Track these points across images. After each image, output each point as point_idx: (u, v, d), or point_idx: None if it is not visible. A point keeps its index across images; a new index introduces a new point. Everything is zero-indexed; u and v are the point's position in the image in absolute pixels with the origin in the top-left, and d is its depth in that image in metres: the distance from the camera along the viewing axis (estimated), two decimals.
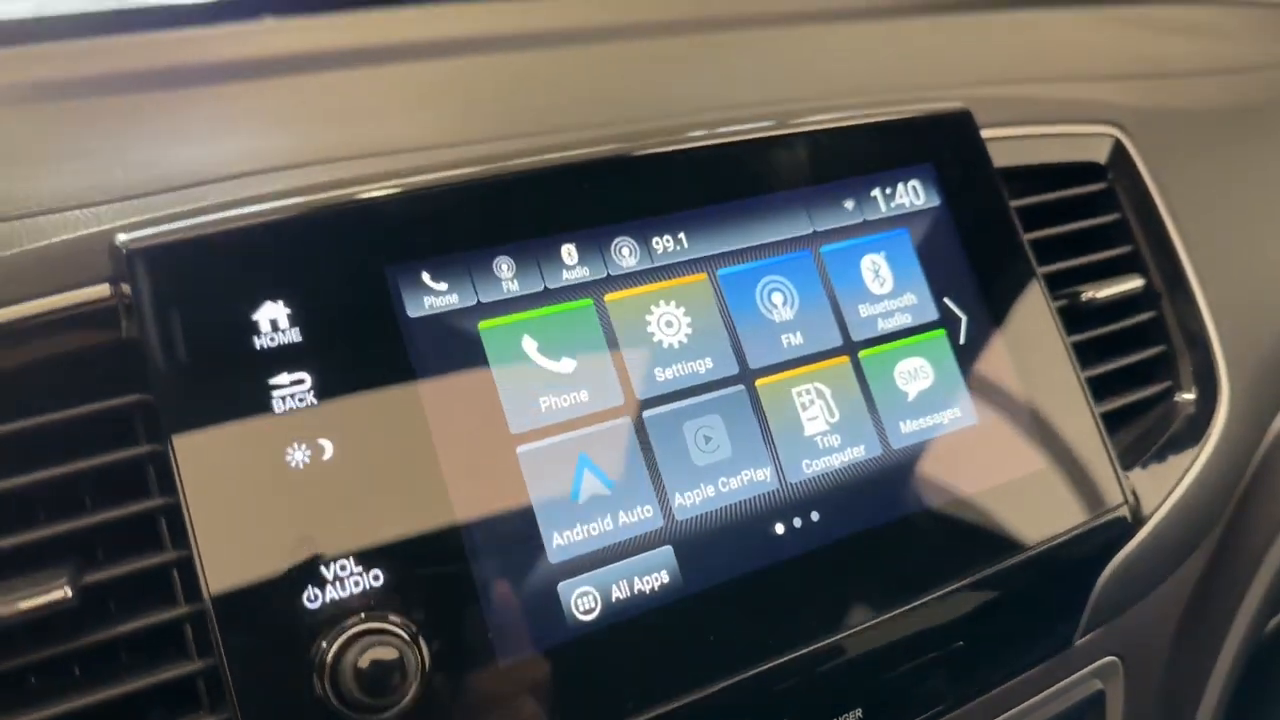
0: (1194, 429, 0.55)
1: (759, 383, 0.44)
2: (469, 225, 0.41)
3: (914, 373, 0.47)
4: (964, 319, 0.49)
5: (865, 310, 0.47)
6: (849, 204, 0.48)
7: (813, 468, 0.44)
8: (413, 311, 0.39)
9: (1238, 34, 0.92)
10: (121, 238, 0.37)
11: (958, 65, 0.65)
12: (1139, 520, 0.51)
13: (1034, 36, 0.77)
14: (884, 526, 0.44)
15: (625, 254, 0.43)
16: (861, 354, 0.46)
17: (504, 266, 0.41)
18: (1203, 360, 0.57)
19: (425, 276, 0.40)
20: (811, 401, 0.45)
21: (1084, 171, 0.59)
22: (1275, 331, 0.62)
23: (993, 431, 0.48)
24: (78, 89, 0.66)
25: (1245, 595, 0.66)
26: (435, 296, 0.40)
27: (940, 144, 0.51)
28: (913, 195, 0.50)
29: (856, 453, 0.45)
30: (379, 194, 0.40)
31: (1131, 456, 0.53)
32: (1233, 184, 0.68)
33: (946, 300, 0.49)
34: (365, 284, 0.39)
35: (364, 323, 0.38)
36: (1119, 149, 0.60)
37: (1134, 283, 0.56)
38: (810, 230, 0.47)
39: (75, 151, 0.49)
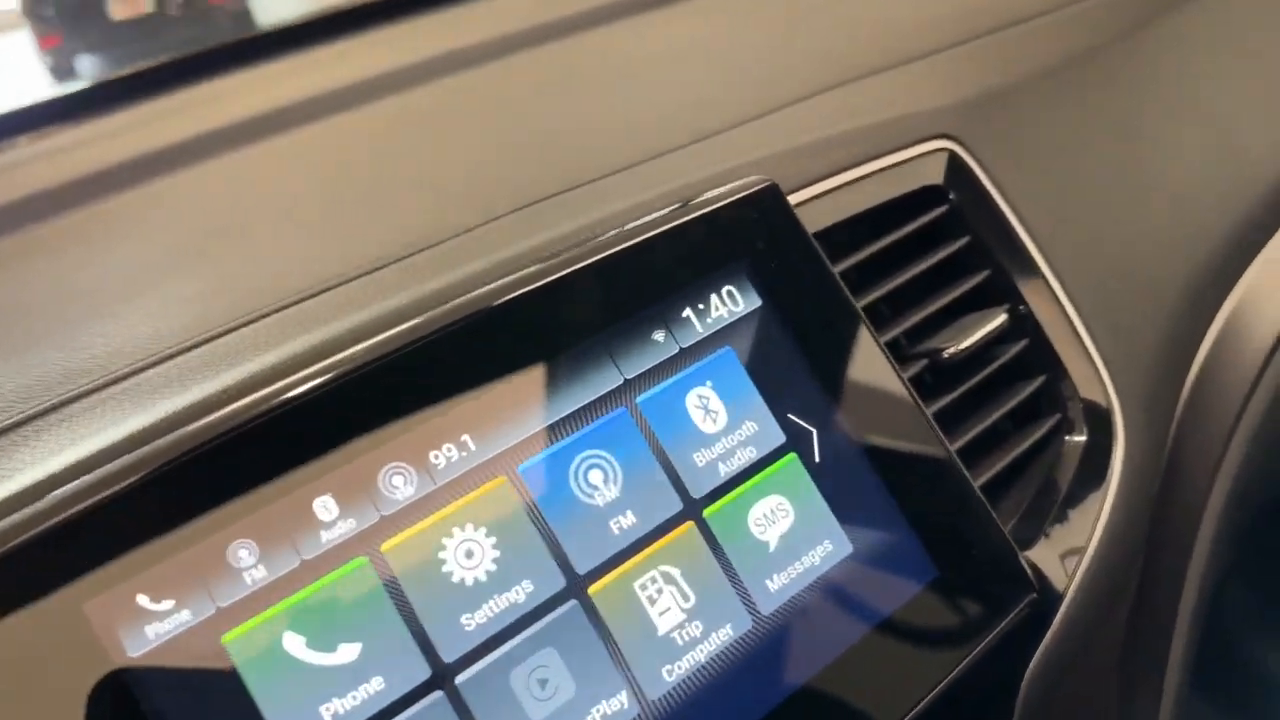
0: (1093, 469, 0.50)
1: (592, 590, 0.37)
2: (182, 517, 0.33)
3: (771, 515, 0.41)
4: (814, 432, 0.43)
5: (701, 458, 0.40)
6: (658, 335, 0.41)
7: (676, 672, 0.37)
8: (133, 650, 0.31)
9: None
10: None
11: (748, 94, 0.57)
12: (1053, 601, 0.46)
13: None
14: (778, 709, 0.38)
15: (398, 483, 0.36)
16: (706, 512, 0.40)
17: (242, 553, 0.33)
18: (1087, 378, 0.52)
19: (142, 600, 0.32)
20: (660, 591, 0.38)
21: (924, 195, 0.53)
22: (1150, 311, 0.58)
23: (872, 554, 0.42)
24: None
25: (1183, 588, 0.62)
26: (160, 620, 0.32)
27: (750, 233, 0.44)
28: (730, 303, 0.43)
29: (724, 635, 0.38)
30: (50, 519, 0.32)
31: (1032, 525, 0.48)
32: (1074, 153, 0.62)
33: (791, 416, 0.42)
34: (68, 633, 0.31)
35: (79, 680, 0.30)
36: (954, 162, 0.54)
37: (996, 320, 0.50)
38: (620, 381, 0.40)
39: None
